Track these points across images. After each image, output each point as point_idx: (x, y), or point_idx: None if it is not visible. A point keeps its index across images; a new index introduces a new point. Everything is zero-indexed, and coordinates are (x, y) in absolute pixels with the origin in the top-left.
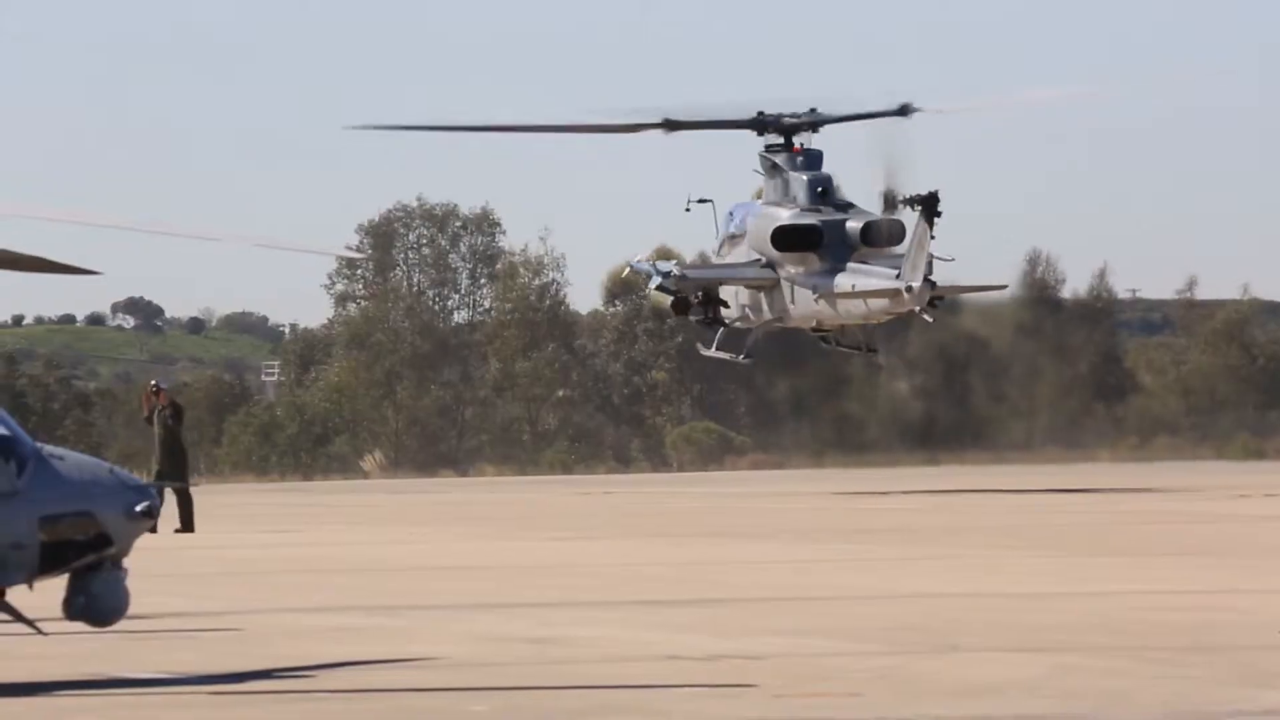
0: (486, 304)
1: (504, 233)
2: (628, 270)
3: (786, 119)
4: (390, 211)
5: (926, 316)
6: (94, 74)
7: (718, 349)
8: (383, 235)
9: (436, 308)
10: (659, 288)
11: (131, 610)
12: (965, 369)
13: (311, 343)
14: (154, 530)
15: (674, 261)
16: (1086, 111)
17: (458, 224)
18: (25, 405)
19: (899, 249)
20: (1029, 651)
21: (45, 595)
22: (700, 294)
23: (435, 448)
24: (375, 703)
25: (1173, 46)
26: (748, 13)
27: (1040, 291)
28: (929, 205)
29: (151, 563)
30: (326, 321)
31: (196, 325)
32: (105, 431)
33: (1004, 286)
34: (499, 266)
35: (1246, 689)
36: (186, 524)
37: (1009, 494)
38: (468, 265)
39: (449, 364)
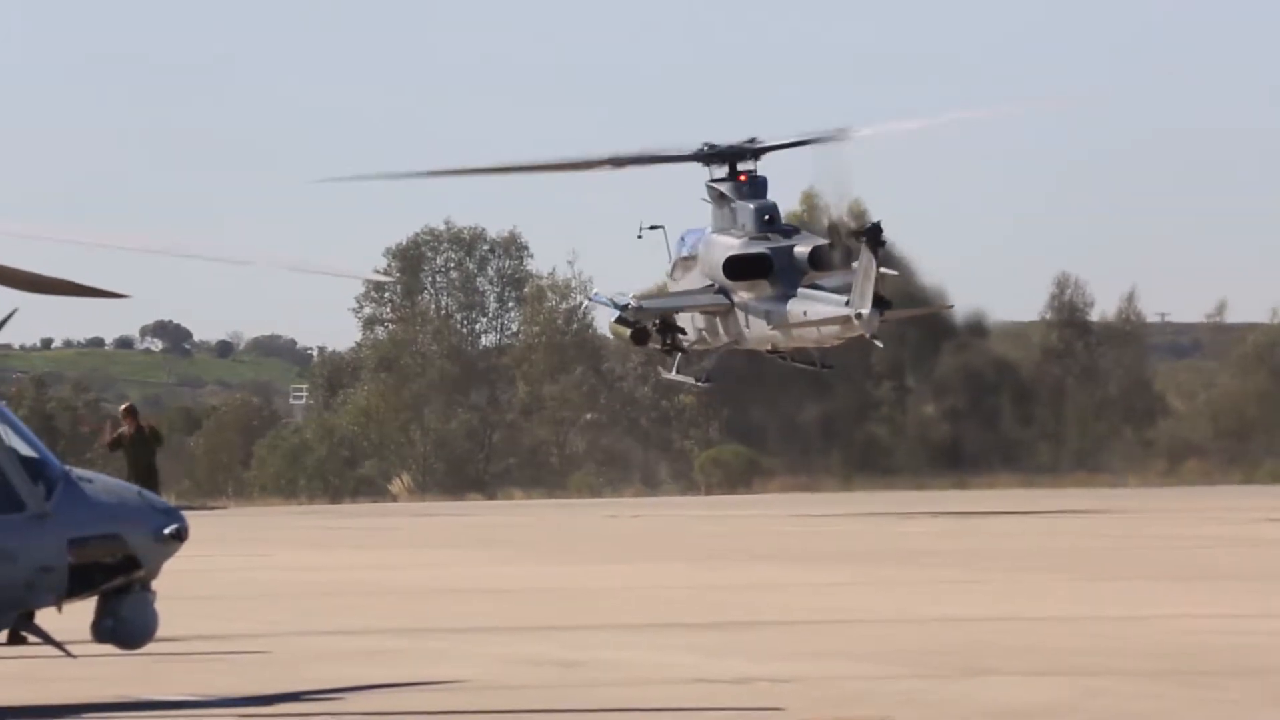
0: (514, 327)
1: (531, 256)
2: (586, 303)
3: (729, 149)
4: (418, 235)
5: (877, 342)
6: (124, 95)
7: (678, 373)
8: (411, 259)
9: (464, 331)
10: (618, 320)
11: (160, 632)
12: (994, 392)
13: (340, 366)
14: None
15: (629, 293)
16: (1116, 134)
17: (485, 248)
18: (54, 428)
19: (847, 272)
20: (1059, 675)
21: (74, 618)
22: (657, 322)
23: (463, 471)
24: None
25: (1204, 70)
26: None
27: (1069, 315)
28: (873, 236)
29: (181, 585)
30: (355, 345)
31: (225, 348)
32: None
33: (950, 306)
34: (527, 290)
35: None
36: None
37: (1037, 517)
38: (495, 289)
39: (477, 387)
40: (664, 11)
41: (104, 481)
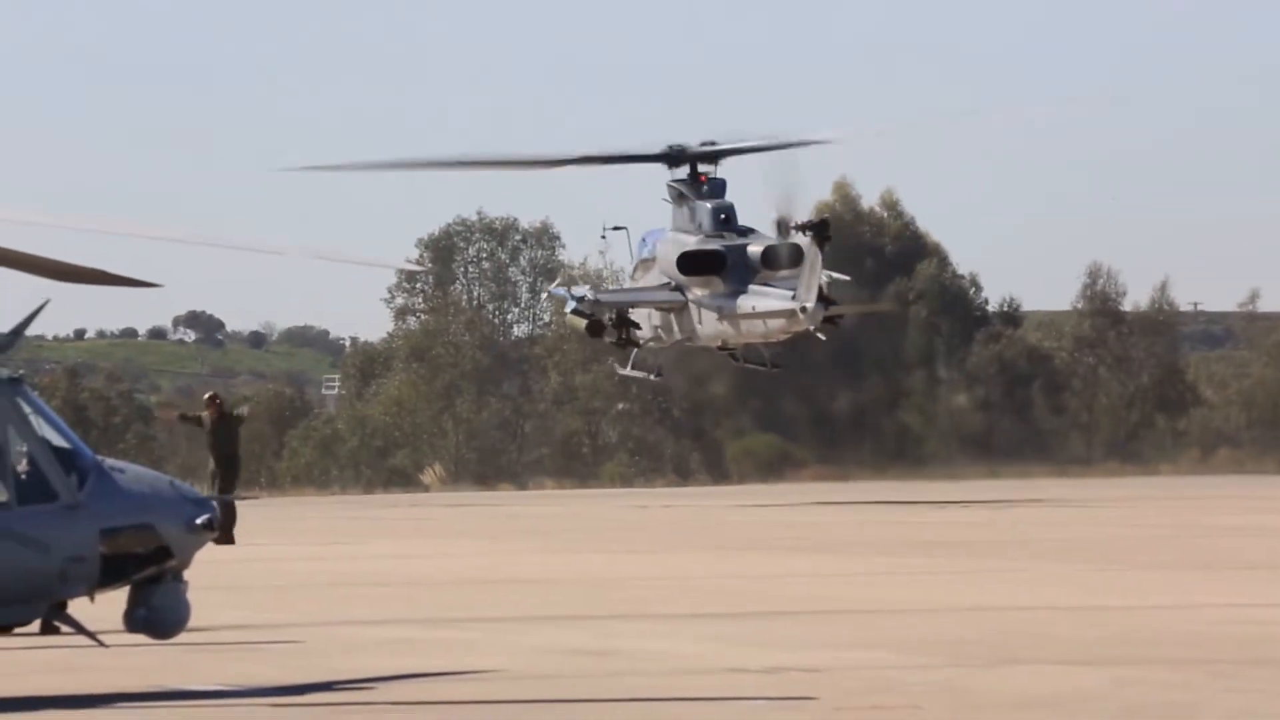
0: (546, 317)
1: (564, 246)
2: (546, 295)
3: (693, 150)
4: (450, 225)
5: (820, 335)
6: (156, 82)
7: (633, 368)
8: (443, 249)
9: (496, 321)
10: (574, 311)
11: (192, 622)
12: (1026, 382)
13: (372, 356)
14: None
15: (588, 287)
16: (1149, 124)
17: (517, 238)
18: (87, 419)
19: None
20: (1089, 665)
21: (106, 607)
22: (614, 317)
23: (495, 461)
24: (435, 715)
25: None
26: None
27: (1102, 304)
28: (819, 231)
29: (213, 575)
30: (387, 335)
31: (257, 339)
32: (166, 445)
33: (893, 308)
34: (559, 280)
35: None
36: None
37: (1069, 507)
38: (528, 279)
39: (509, 377)
40: (661, 8)
41: (136, 471)
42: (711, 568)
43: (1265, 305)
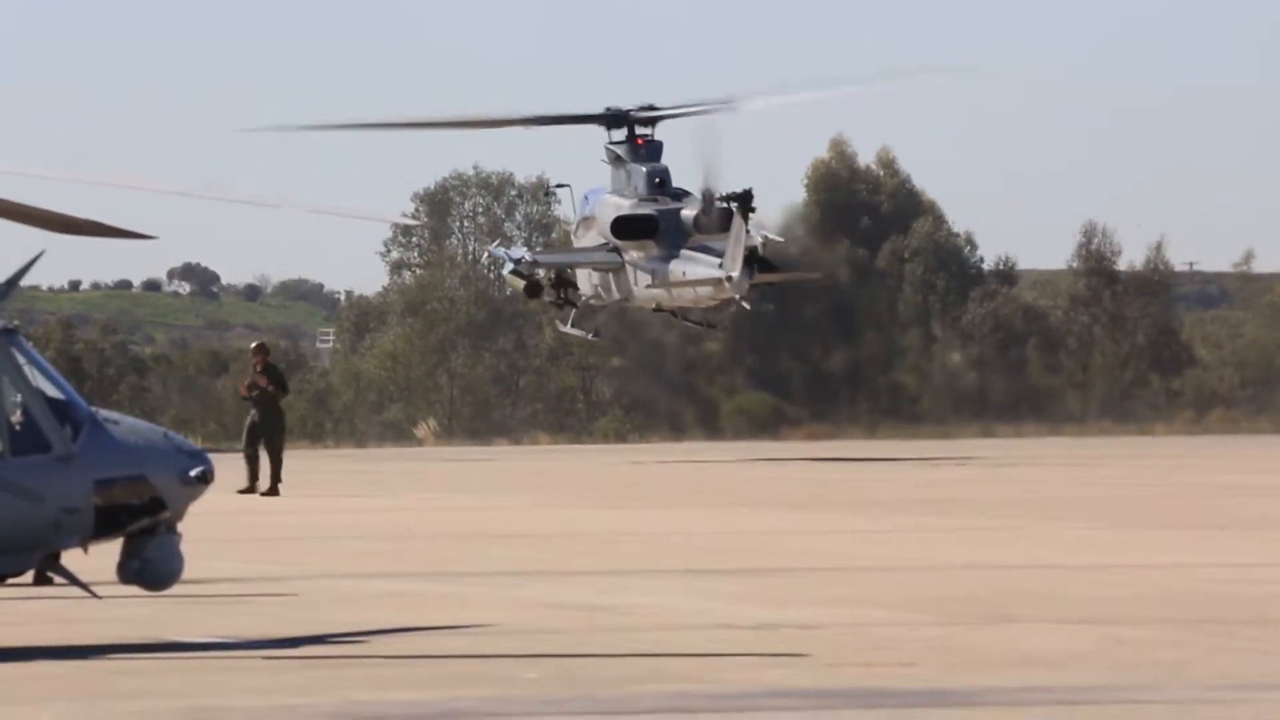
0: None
1: (559, 201)
2: (486, 255)
3: (631, 113)
4: (446, 180)
5: (745, 304)
6: (150, 34)
7: (572, 326)
8: (438, 203)
9: (491, 276)
10: (512, 272)
11: (186, 574)
12: (1021, 341)
13: (367, 310)
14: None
15: (525, 248)
16: (1144, 83)
17: (513, 192)
18: (81, 370)
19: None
20: (1083, 623)
21: (100, 559)
22: (552, 277)
23: (489, 416)
24: (429, 668)
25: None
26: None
27: (1097, 263)
28: (744, 202)
29: (207, 527)
30: (382, 289)
31: (252, 292)
32: (160, 397)
33: (818, 276)
34: (554, 235)
35: None
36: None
37: (1063, 465)
38: (523, 234)
39: (503, 332)
40: None
41: (130, 423)
42: (705, 524)
43: (1260, 266)
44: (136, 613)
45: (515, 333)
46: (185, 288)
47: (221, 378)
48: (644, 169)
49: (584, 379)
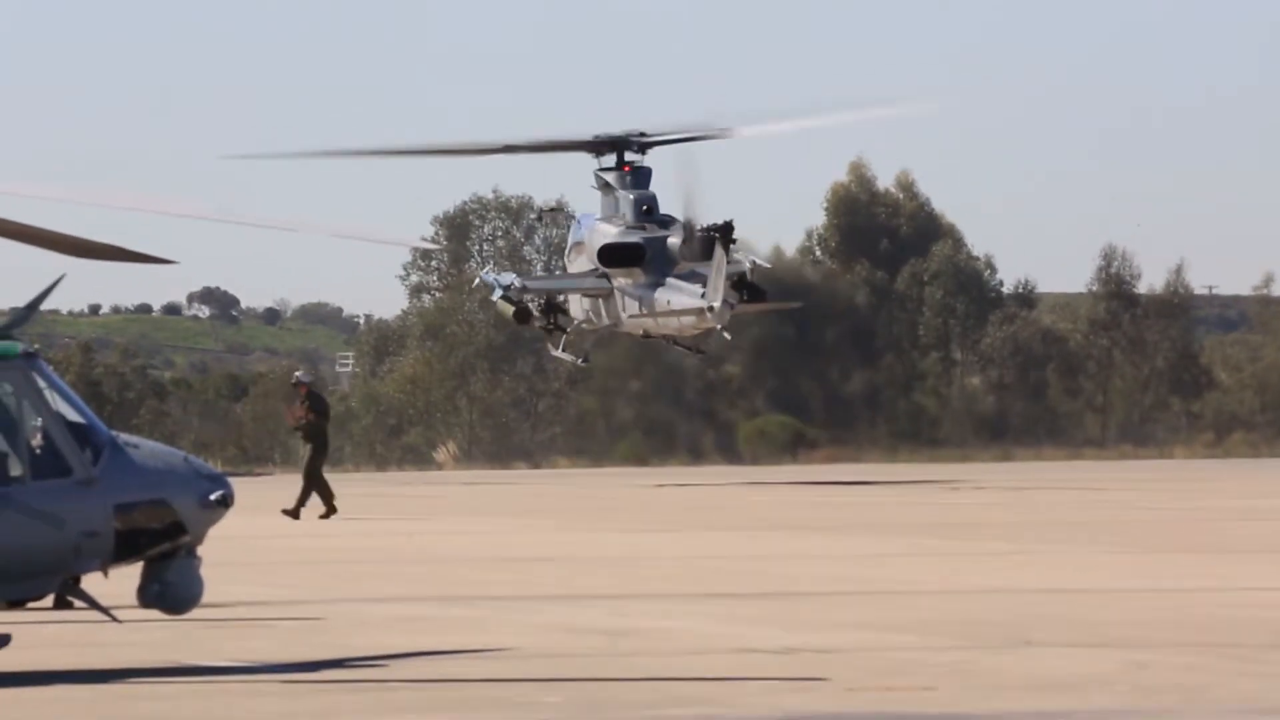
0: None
1: (580, 225)
2: (477, 281)
3: (618, 140)
4: (466, 203)
5: (726, 334)
6: (172, 58)
7: (563, 351)
8: (458, 227)
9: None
10: (502, 298)
11: (205, 599)
12: (1040, 364)
13: (386, 334)
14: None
15: (514, 274)
16: (1165, 106)
17: (533, 216)
18: (101, 394)
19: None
20: (1104, 647)
21: (120, 583)
22: (542, 303)
23: (509, 439)
24: (448, 693)
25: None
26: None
27: (1116, 287)
28: (725, 233)
29: (226, 551)
30: (401, 313)
31: (272, 316)
32: (180, 421)
33: (799, 305)
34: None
35: None
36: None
37: (1083, 489)
38: (542, 258)
39: (523, 356)
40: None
41: (150, 447)
42: (724, 547)
43: None
44: (156, 636)
45: (535, 356)
46: (205, 311)
47: (241, 401)
48: (631, 196)
49: (603, 402)
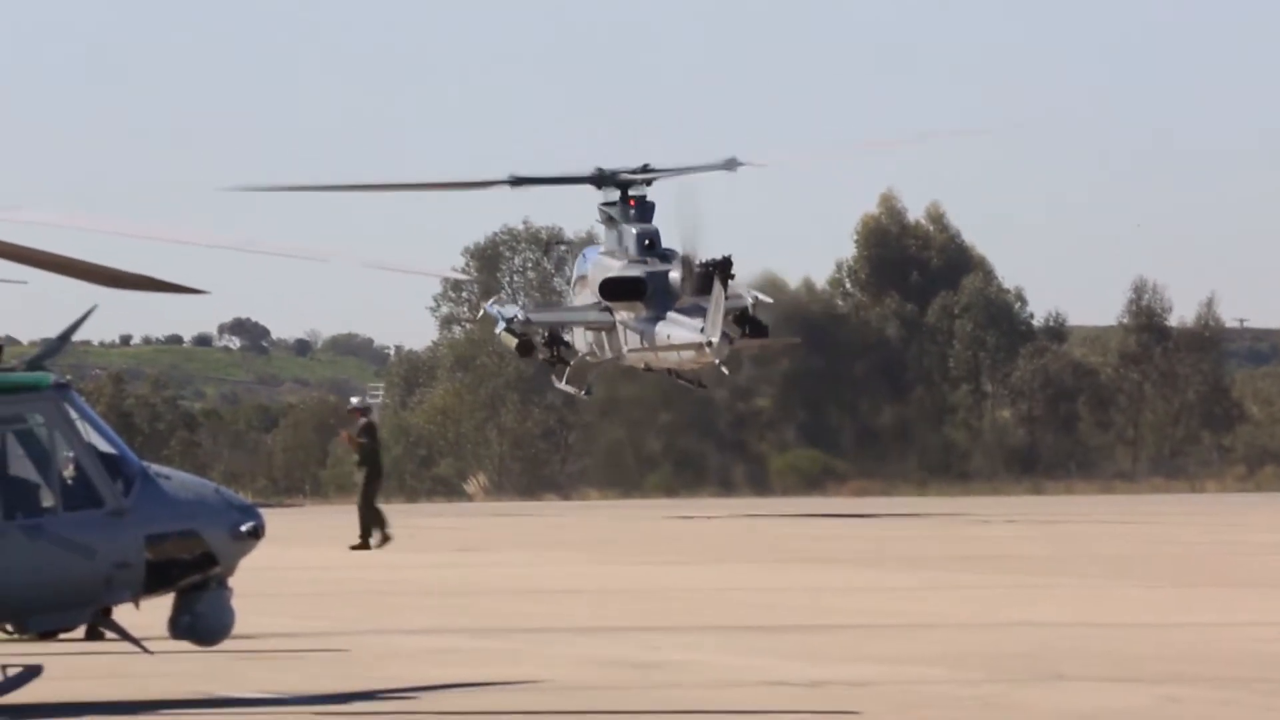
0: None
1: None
2: (481, 313)
3: (622, 174)
4: (496, 235)
5: (724, 369)
6: (202, 87)
7: (566, 383)
8: (488, 258)
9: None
10: (505, 330)
11: (236, 630)
12: (1071, 397)
13: (416, 365)
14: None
15: (518, 306)
16: (1196, 139)
17: (563, 248)
18: (132, 425)
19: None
20: (1134, 681)
21: (151, 614)
22: (545, 336)
23: (539, 471)
24: None
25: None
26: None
27: (1147, 320)
28: (723, 269)
29: (257, 582)
30: (431, 344)
31: (302, 347)
32: (210, 452)
33: (797, 341)
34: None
35: None
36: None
37: (1113, 523)
38: (573, 289)
39: (553, 387)
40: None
41: (181, 478)
42: (754, 580)
43: None
44: (187, 668)
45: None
46: (236, 343)
47: (271, 432)
48: (633, 230)
49: (633, 434)
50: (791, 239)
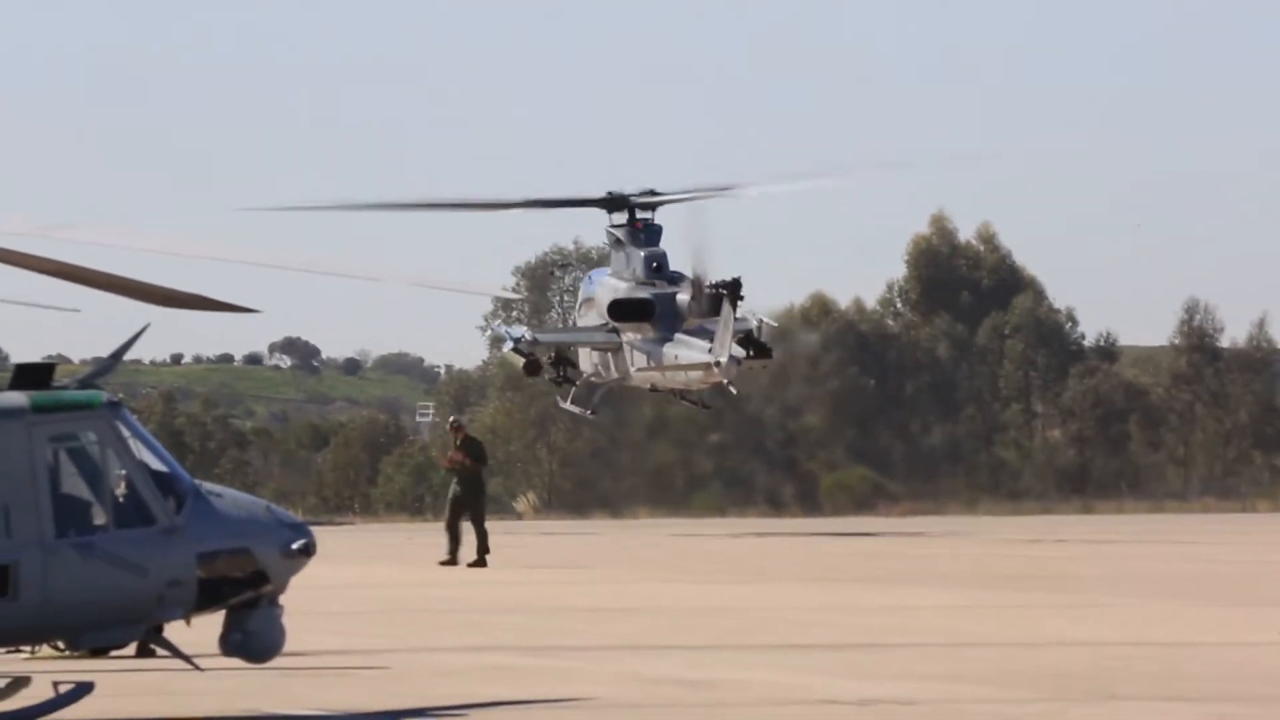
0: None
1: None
2: (490, 333)
3: (631, 198)
4: (546, 254)
5: (732, 389)
6: (250, 100)
7: (572, 403)
8: (539, 277)
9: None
10: (513, 350)
11: (287, 647)
12: (1122, 417)
13: (466, 384)
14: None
15: (525, 327)
16: (1247, 157)
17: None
18: (183, 443)
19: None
20: (1187, 700)
21: (202, 631)
22: (553, 355)
23: (589, 489)
24: None
25: None
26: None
27: (1198, 340)
28: (732, 290)
29: (308, 600)
30: (482, 363)
31: (352, 366)
32: (261, 470)
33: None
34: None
35: None
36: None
37: (1165, 543)
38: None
39: (603, 407)
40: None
41: (233, 496)
42: (804, 599)
43: None
44: (238, 685)
45: (613, 408)
46: (286, 361)
47: (322, 451)
48: (641, 253)
49: (683, 453)
50: (842, 258)
